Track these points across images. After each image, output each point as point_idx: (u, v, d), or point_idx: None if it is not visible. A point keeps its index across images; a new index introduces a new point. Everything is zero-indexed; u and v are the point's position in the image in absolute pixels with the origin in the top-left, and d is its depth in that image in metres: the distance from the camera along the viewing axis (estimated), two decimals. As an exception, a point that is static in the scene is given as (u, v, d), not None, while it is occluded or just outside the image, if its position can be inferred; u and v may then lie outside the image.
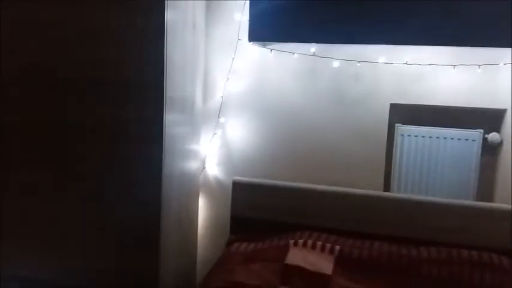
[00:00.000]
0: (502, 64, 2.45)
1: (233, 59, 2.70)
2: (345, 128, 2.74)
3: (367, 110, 2.70)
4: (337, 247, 2.42)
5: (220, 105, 2.81)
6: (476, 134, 2.61)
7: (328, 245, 2.43)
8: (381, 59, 2.59)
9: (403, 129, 2.71)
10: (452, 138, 2.64)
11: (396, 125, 2.72)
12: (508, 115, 2.55)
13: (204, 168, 2.91)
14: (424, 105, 2.64)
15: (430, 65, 2.54)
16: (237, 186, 2.80)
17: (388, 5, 2.34)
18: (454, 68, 2.50)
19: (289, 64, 2.73)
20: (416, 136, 2.69)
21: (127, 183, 2.35)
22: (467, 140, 2.62)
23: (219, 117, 2.82)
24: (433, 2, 2.27)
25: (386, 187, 2.77)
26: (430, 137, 2.67)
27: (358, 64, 2.62)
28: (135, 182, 2.33)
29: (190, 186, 2.77)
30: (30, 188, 2.47)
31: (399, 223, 2.58)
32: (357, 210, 2.63)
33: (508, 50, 2.39)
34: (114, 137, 2.33)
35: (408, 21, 2.33)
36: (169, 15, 2.23)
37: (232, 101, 2.83)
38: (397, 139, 2.72)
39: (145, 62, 2.26)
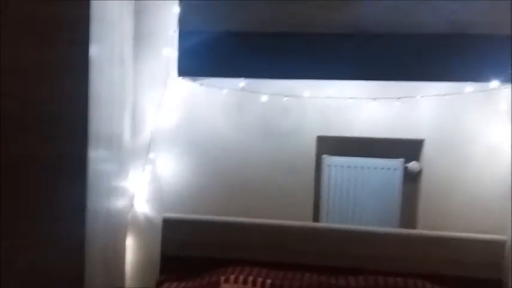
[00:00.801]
0: (419, 97, 2.62)
1: (163, 93, 2.68)
2: (274, 161, 2.78)
3: (295, 143, 2.77)
4: (269, 281, 2.42)
5: (150, 141, 2.76)
6: (398, 163, 2.75)
7: (260, 279, 2.42)
8: (306, 93, 2.69)
9: (330, 160, 2.79)
10: (375, 168, 2.76)
11: (323, 156, 2.80)
12: (425, 145, 2.71)
13: (132, 205, 2.81)
14: (349, 136, 2.75)
15: (352, 98, 2.66)
16: (167, 223, 2.73)
17: (313, 41, 2.45)
18: (374, 100, 2.65)
19: (219, 98, 2.75)
20: (342, 167, 2.79)
21: (48, 222, 2.21)
22: (389, 169, 2.76)
23: (148, 152, 2.76)
24: (355, 39, 2.41)
25: (316, 217, 2.82)
26: (355, 167, 2.77)
27: (285, 98, 2.69)
28: (57, 221, 2.20)
29: (118, 225, 2.66)
30: None
31: (329, 253, 2.63)
32: (288, 242, 2.66)
33: (424, 83, 2.58)
34: (36, 173, 2.21)
35: (332, 57, 2.45)
36: (94, 49, 2.19)
37: (162, 136, 2.79)
38: (325, 170, 2.80)
39: (69, 96, 2.18)
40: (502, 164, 2.59)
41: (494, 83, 2.35)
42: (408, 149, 2.76)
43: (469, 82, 2.46)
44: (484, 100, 2.56)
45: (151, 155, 2.77)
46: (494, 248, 2.55)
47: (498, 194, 2.62)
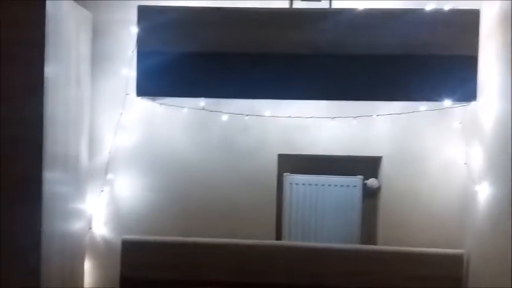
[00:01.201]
0: (375, 115, 2.69)
1: (121, 113, 2.64)
2: (236, 180, 2.78)
3: (257, 161, 2.78)
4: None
5: (108, 162, 2.71)
6: (357, 180, 2.80)
7: (223, 301, 2.40)
8: (267, 112, 2.71)
9: (291, 178, 2.82)
10: (335, 185, 2.80)
11: (284, 174, 2.82)
12: (383, 162, 2.77)
13: (90, 228, 2.74)
14: (309, 154, 2.79)
15: (311, 117, 2.70)
16: (126, 245, 2.67)
17: (272, 61, 2.48)
18: (333, 120, 2.69)
19: (179, 118, 2.74)
20: (303, 184, 2.81)
21: (2, 245, 2.14)
22: (349, 186, 2.80)
23: (106, 173, 2.71)
24: (313, 59, 2.45)
25: (278, 236, 2.82)
26: (316, 185, 2.80)
27: (246, 117, 2.70)
28: (11, 244, 2.13)
29: (75, 248, 2.59)
30: None
31: (291, 271, 2.63)
32: (250, 261, 2.64)
33: (380, 102, 2.64)
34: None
35: (291, 77, 2.48)
36: (50, 69, 2.15)
37: (121, 156, 2.75)
38: (286, 188, 2.81)
39: (24, 117, 2.15)
40: (457, 180, 2.67)
41: (447, 102, 2.42)
42: (367, 166, 2.82)
43: (423, 101, 2.53)
44: (438, 118, 2.65)
45: (109, 176, 2.72)
46: (452, 261, 2.61)
47: (454, 209, 2.70)
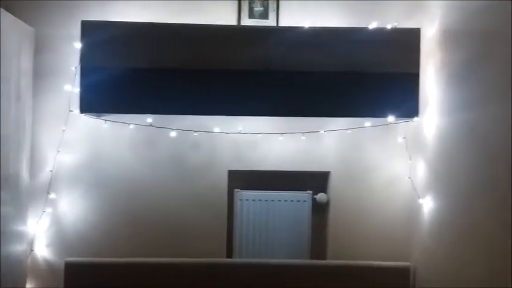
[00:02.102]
0: (323, 131, 2.72)
1: (64, 130, 2.55)
2: (186, 197, 2.74)
3: (207, 178, 2.75)
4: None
5: (50, 180, 2.60)
6: (306, 195, 2.82)
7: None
8: (217, 129, 2.69)
9: (242, 194, 2.80)
10: (285, 200, 2.81)
11: (235, 190, 2.81)
12: (332, 176, 2.81)
13: (32, 250, 2.62)
14: (259, 170, 2.78)
15: (260, 133, 2.71)
16: (70, 267, 2.57)
17: (221, 78, 2.47)
18: (281, 135, 2.71)
19: (126, 135, 2.68)
20: (254, 200, 2.80)
21: None
22: (299, 201, 2.82)
23: (48, 193, 2.61)
24: (261, 76, 2.47)
25: (229, 252, 2.79)
26: (267, 201, 2.80)
27: (195, 134, 2.68)
28: None
29: (16, 271, 2.47)
30: None
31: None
32: (201, 280, 2.59)
33: (327, 119, 2.68)
34: None
35: (240, 94, 2.48)
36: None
37: (64, 175, 2.65)
38: (237, 204, 2.80)
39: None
40: (402, 193, 2.74)
41: (391, 118, 2.49)
42: (316, 181, 2.85)
43: (368, 117, 2.59)
44: (383, 134, 2.72)
45: (52, 196, 2.62)
46: (400, 273, 2.65)
47: (400, 222, 2.76)
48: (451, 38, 2.30)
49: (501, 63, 1.86)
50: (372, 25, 2.47)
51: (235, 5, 2.71)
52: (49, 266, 2.65)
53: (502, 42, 1.85)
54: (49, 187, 2.60)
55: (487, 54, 1.96)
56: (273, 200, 2.81)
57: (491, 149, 1.89)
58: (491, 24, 1.94)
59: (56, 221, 2.66)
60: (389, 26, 2.48)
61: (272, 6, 2.70)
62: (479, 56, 2.04)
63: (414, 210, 2.66)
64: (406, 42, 2.47)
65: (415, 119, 2.54)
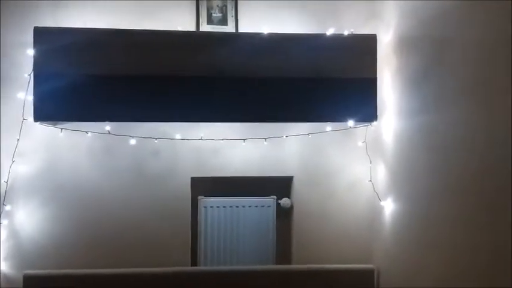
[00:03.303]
0: (285, 136, 2.73)
1: (18, 140, 2.47)
2: (148, 205, 2.70)
3: (169, 185, 2.72)
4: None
5: (5, 192, 2.52)
6: (270, 200, 2.82)
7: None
8: (178, 136, 2.66)
9: (206, 201, 2.78)
10: (250, 206, 2.80)
11: (199, 197, 2.78)
12: (295, 181, 2.81)
13: (-13, 264, 2.54)
14: (223, 176, 2.77)
15: (223, 139, 2.69)
16: (28, 280, 2.49)
17: (180, 84, 2.44)
18: (244, 141, 2.70)
19: (83, 143, 2.62)
20: (218, 207, 2.79)
21: None
22: (263, 206, 2.81)
23: (4, 205, 2.52)
24: (221, 82, 2.45)
25: (194, 260, 2.77)
26: (231, 207, 2.79)
27: (156, 141, 2.64)
28: None
29: (-32, 289, 2.37)
30: None
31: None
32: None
33: (289, 124, 2.69)
34: None
35: (199, 99, 2.46)
36: None
37: (19, 185, 2.57)
38: (201, 211, 2.77)
39: None
40: (364, 197, 2.77)
41: (351, 122, 2.51)
42: (279, 186, 2.85)
43: (328, 122, 2.61)
44: (343, 138, 2.74)
45: (7, 208, 2.54)
46: (364, 276, 2.68)
47: (363, 225, 2.79)
48: (406, 44, 2.34)
49: (454, 68, 1.90)
50: (329, 31, 2.50)
51: (193, 11, 2.69)
52: (7, 279, 2.57)
53: (454, 48, 1.89)
54: (4, 199, 2.52)
55: (441, 59, 2.00)
56: (237, 206, 2.79)
57: (448, 151, 1.94)
58: (444, 31, 1.98)
59: (13, 234, 2.58)
60: (346, 33, 2.51)
61: (231, 12, 2.69)
62: (433, 61, 2.08)
63: (376, 212, 2.69)
64: (363, 48, 2.50)
65: (374, 123, 2.57)
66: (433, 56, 2.08)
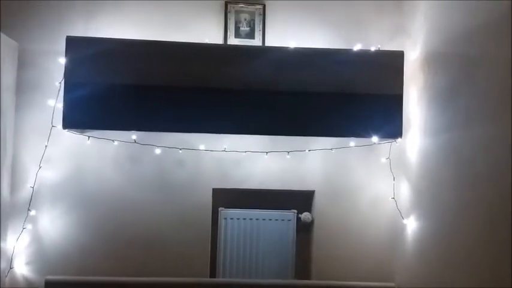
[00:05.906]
0: (307, 150, 2.73)
1: (46, 146, 2.52)
2: (170, 215, 2.71)
3: (191, 196, 2.73)
4: None
5: (31, 197, 2.56)
6: (291, 214, 2.81)
7: None
8: (202, 146, 2.68)
9: (226, 213, 2.78)
10: (270, 219, 2.80)
11: (219, 208, 2.79)
12: (316, 196, 2.80)
13: (11, 268, 2.56)
14: (244, 189, 2.77)
15: (246, 152, 2.70)
16: (50, 285, 2.52)
17: (206, 96, 2.46)
18: (266, 154, 2.71)
19: (109, 151, 2.66)
20: (238, 219, 2.79)
21: None
22: (283, 220, 2.80)
23: (29, 210, 2.56)
24: (247, 95, 2.47)
25: (213, 271, 2.76)
26: (251, 219, 2.79)
27: (180, 151, 2.66)
28: None
29: (-8, 291, 2.41)
30: None
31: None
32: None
33: (312, 138, 2.69)
34: None
35: (225, 112, 2.48)
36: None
37: (45, 191, 2.61)
38: (221, 223, 2.78)
39: None
40: (386, 213, 2.74)
41: (375, 138, 2.50)
42: (300, 200, 2.84)
43: (352, 137, 2.60)
44: (367, 154, 2.73)
45: (32, 213, 2.57)
46: (383, 294, 2.65)
47: (384, 242, 2.76)
48: (434, 60, 2.34)
49: (482, 86, 1.89)
50: (356, 47, 2.50)
51: (221, 24, 2.73)
52: (29, 284, 2.60)
53: (482, 66, 1.88)
54: (30, 203, 2.56)
55: (469, 77, 2.00)
56: (257, 219, 2.79)
57: (473, 169, 1.92)
58: (473, 49, 1.97)
59: (36, 238, 2.61)
60: (373, 48, 2.51)
61: (258, 26, 2.73)
62: (460, 79, 2.07)
63: (398, 230, 2.67)
64: (390, 64, 2.49)
65: (399, 139, 2.55)
66: (461, 74, 2.07)
